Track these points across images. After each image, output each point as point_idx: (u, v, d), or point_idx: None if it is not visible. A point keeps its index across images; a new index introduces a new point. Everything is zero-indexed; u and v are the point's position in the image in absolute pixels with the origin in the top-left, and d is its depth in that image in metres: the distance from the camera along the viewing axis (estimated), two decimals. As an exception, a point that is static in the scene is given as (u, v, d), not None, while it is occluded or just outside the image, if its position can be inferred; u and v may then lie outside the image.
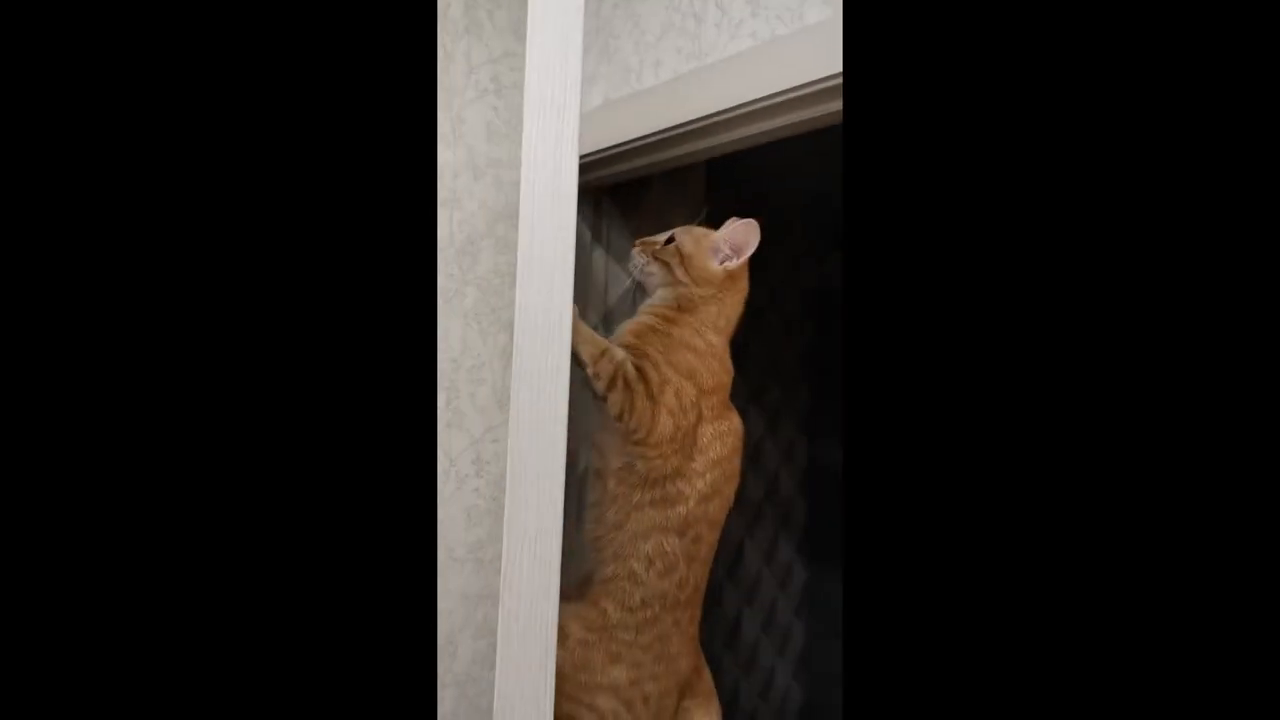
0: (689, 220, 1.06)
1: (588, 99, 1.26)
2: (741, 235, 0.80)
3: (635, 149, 1.14)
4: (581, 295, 1.35)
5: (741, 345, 2.13)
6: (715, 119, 1.00)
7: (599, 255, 1.41)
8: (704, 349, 0.76)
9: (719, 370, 0.76)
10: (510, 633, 0.55)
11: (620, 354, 0.72)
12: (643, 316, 0.79)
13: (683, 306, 0.78)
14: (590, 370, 0.71)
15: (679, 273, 0.79)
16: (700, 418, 0.72)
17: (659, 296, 0.82)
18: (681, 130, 1.05)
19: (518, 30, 1.17)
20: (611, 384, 0.70)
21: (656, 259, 0.81)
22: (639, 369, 0.71)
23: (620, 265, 1.46)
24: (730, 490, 0.76)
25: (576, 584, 0.75)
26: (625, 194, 1.47)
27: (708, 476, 0.72)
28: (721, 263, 0.79)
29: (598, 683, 0.70)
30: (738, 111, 0.98)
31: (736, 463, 0.77)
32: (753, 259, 0.90)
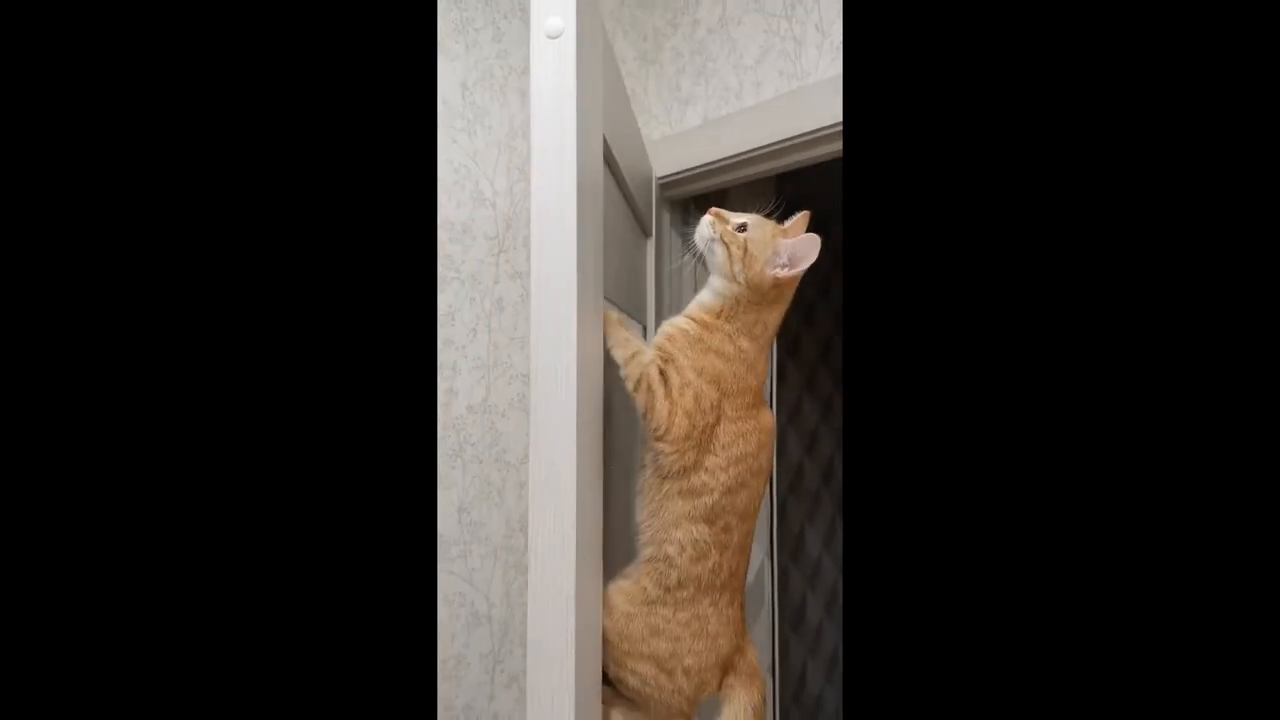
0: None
1: (685, 119, 1.37)
2: (803, 249, 0.80)
3: (737, 163, 1.24)
4: (675, 300, 1.46)
5: (795, 335, 2.21)
6: (818, 134, 1.10)
7: (689, 261, 1.52)
8: (733, 354, 0.79)
9: (746, 374, 0.79)
10: (536, 594, 0.65)
11: (648, 357, 0.78)
12: (681, 321, 0.82)
13: (724, 313, 0.80)
14: (623, 372, 0.78)
15: (736, 268, 0.79)
16: (721, 418, 0.77)
17: (708, 291, 0.84)
18: (785, 144, 1.15)
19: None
20: (637, 385, 0.76)
21: (724, 242, 0.81)
22: (662, 372, 0.76)
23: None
24: (759, 484, 0.80)
25: (629, 563, 0.82)
26: (712, 203, 1.58)
27: (731, 471, 0.76)
28: (776, 269, 0.79)
29: (640, 651, 0.76)
30: (835, 128, 1.08)
31: (764, 459, 0.81)
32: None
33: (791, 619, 2.11)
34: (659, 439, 0.75)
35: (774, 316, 0.82)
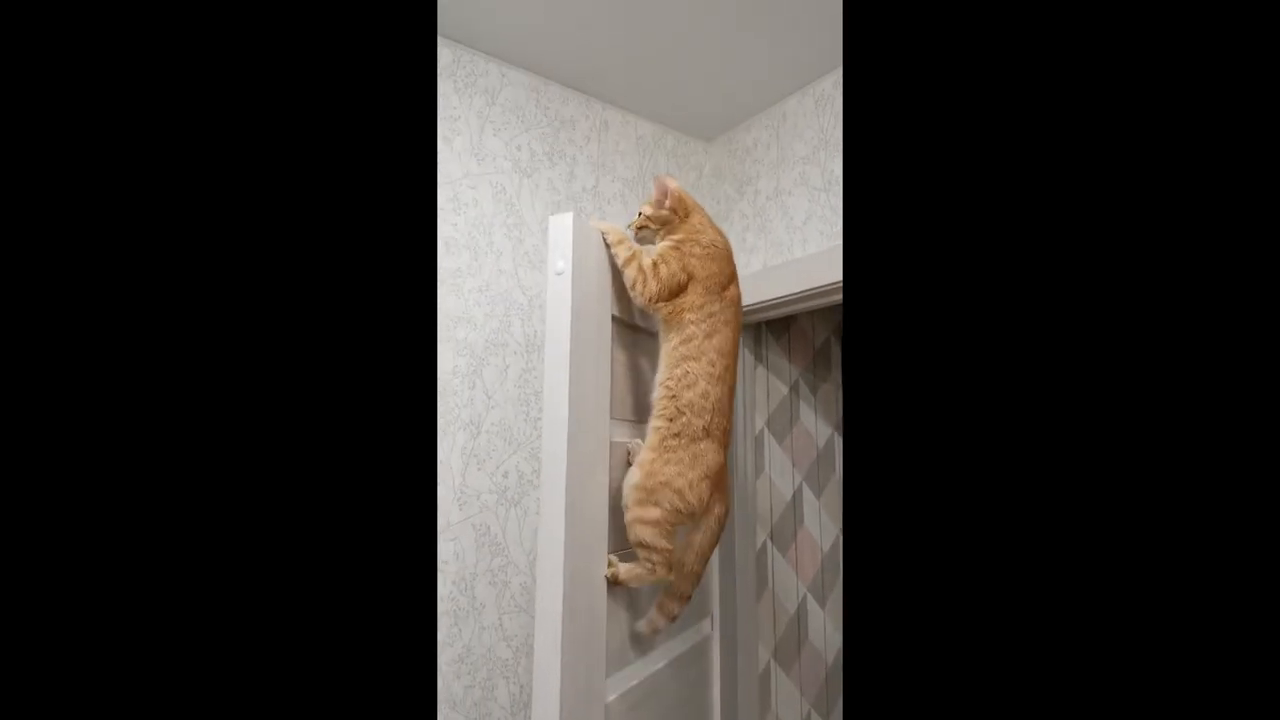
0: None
1: (750, 264, 1.75)
2: (657, 189, 1.20)
3: (789, 300, 1.59)
4: (749, 405, 1.79)
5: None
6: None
7: (761, 372, 1.86)
8: (702, 254, 1.16)
9: (709, 264, 1.16)
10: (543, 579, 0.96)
11: (645, 258, 1.15)
12: (669, 241, 1.19)
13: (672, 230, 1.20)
14: (620, 263, 1.15)
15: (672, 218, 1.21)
16: (691, 285, 1.13)
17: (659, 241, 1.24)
18: (826, 288, 1.49)
19: (476, 152, 1.48)
20: (627, 263, 1.14)
21: (630, 258, 1.17)
22: (653, 262, 1.13)
23: (778, 379, 1.90)
24: (730, 331, 1.14)
25: (645, 421, 1.17)
26: (777, 324, 1.93)
27: (705, 324, 1.12)
28: (667, 208, 1.19)
29: (658, 482, 1.07)
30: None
31: (731, 313, 1.15)
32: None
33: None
34: (647, 301, 1.11)
35: (695, 223, 1.19)
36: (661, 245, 1.18)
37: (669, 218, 1.19)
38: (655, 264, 1.13)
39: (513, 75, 1.57)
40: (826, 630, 1.94)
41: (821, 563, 1.96)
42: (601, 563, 1.06)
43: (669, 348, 1.13)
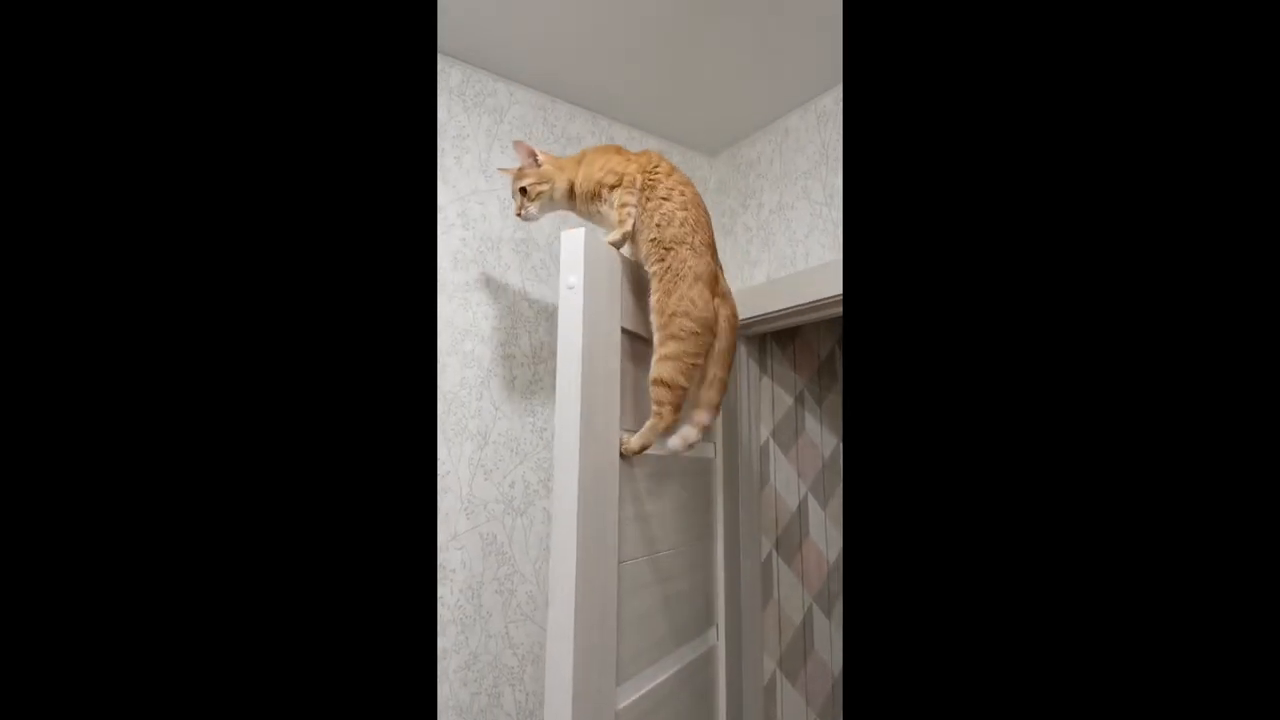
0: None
1: (754, 277, 1.77)
2: (520, 156, 1.31)
3: (793, 312, 1.62)
4: (754, 417, 1.80)
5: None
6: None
7: (766, 383, 1.88)
8: (600, 155, 1.30)
9: (616, 161, 1.28)
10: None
11: (621, 212, 1.25)
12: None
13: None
14: (606, 191, 1.26)
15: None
16: (654, 192, 1.25)
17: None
18: (827, 300, 1.51)
19: (484, 169, 1.52)
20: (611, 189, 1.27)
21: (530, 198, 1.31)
22: (620, 204, 1.25)
23: (783, 390, 1.92)
24: (688, 193, 1.26)
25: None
26: (782, 335, 1.95)
27: (673, 199, 1.23)
28: (538, 168, 1.30)
29: (668, 316, 1.17)
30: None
31: (690, 192, 1.26)
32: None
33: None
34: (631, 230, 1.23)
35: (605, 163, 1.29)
36: (615, 197, 1.27)
37: (549, 172, 1.30)
38: (621, 206, 1.24)
39: (520, 94, 1.60)
40: (832, 641, 1.94)
41: (827, 573, 1.96)
42: (612, 573, 1.08)
43: (645, 213, 1.24)
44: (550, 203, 1.30)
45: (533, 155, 1.30)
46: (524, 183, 1.28)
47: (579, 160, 1.31)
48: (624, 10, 1.35)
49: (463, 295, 1.45)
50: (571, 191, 1.29)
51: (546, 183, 1.28)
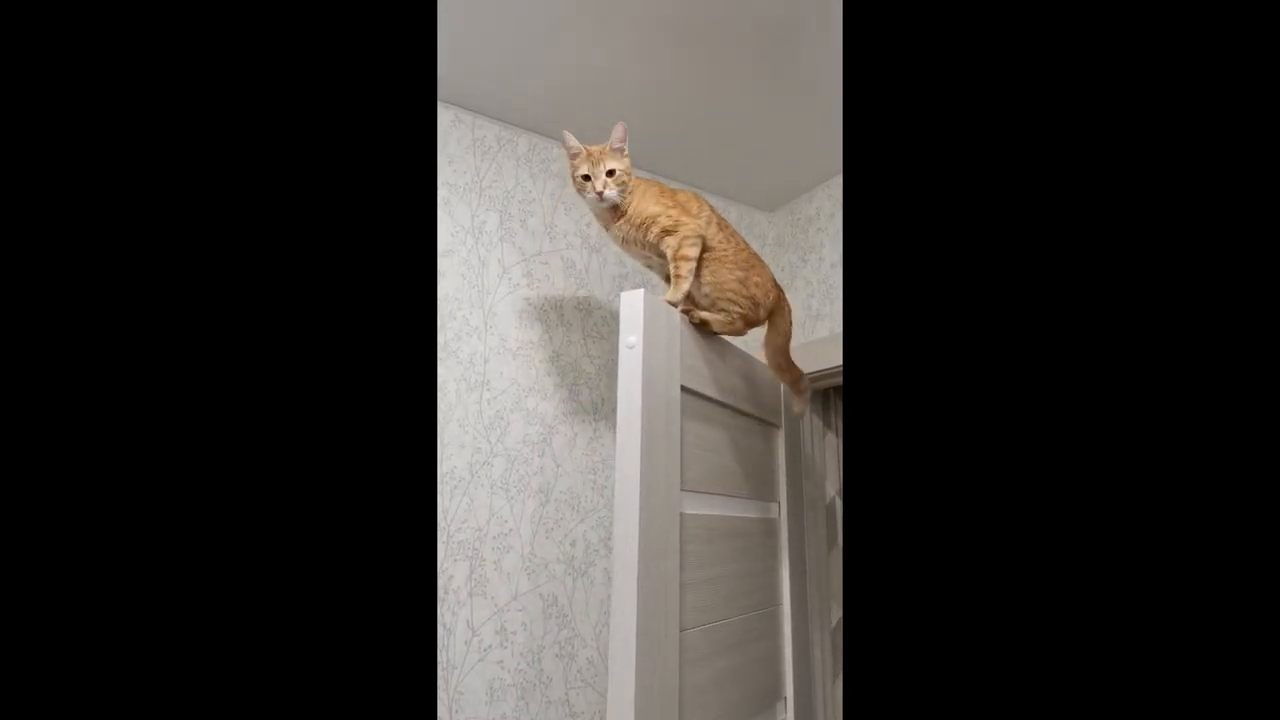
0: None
1: (817, 331, 1.74)
2: (616, 137, 1.23)
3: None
4: (819, 474, 1.74)
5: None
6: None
7: (831, 439, 1.82)
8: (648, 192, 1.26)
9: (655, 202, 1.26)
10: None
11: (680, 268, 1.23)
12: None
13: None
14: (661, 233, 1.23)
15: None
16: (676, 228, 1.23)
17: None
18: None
19: (550, 230, 1.55)
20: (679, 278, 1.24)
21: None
22: (682, 257, 1.23)
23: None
24: (730, 232, 1.28)
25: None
26: (840, 394, 1.90)
27: (701, 218, 1.24)
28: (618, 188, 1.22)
29: (734, 288, 1.23)
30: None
31: (706, 210, 1.27)
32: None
33: None
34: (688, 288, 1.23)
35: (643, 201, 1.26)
36: (667, 246, 1.24)
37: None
38: (683, 260, 1.22)
39: (583, 158, 1.67)
40: (911, 719, 1.80)
41: (902, 644, 1.84)
42: (674, 642, 1.04)
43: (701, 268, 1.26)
44: (620, 197, 1.21)
45: (625, 141, 1.22)
46: (617, 165, 1.19)
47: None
48: (683, 71, 1.39)
49: (526, 353, 1.48)
50: (621, 207, 1.24)
51: (630, 176, 1.21)
